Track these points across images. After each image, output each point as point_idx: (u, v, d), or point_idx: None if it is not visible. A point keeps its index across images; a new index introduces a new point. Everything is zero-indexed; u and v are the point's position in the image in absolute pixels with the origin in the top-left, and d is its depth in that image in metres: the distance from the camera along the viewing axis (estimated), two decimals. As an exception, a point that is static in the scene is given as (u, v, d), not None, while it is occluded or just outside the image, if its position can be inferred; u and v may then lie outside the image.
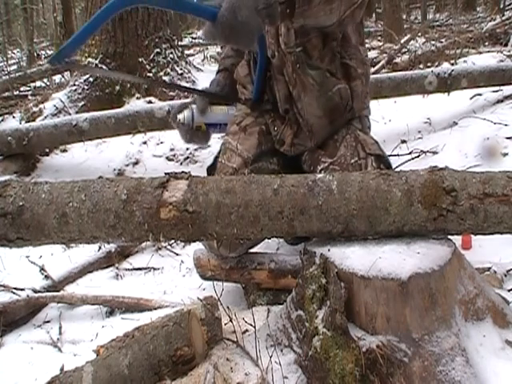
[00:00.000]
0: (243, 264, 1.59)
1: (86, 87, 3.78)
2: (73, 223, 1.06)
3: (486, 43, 4.86)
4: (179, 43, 5.11)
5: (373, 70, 3.90)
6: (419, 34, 5.17)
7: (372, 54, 4.96)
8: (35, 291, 1.83)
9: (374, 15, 10.55)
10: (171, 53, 4.11)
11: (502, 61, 3.63)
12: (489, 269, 1.45)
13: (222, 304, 1.25)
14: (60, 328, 1.64)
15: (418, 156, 2.44)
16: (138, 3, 1.19)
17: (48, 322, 1.73)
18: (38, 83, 5.61)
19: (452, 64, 3.90)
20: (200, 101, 1.61)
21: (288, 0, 1.16)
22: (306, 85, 1.44)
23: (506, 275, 1.44)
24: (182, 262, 2.05)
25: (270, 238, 1.18)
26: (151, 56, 3.95)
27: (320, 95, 1.44)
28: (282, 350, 1.11)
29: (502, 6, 7.73)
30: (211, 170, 1.61)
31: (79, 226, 1.06)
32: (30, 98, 4.74)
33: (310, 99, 1.45)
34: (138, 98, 3.82)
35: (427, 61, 4.21)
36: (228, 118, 1.63)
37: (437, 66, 3.86)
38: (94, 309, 1.75)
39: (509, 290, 1.35)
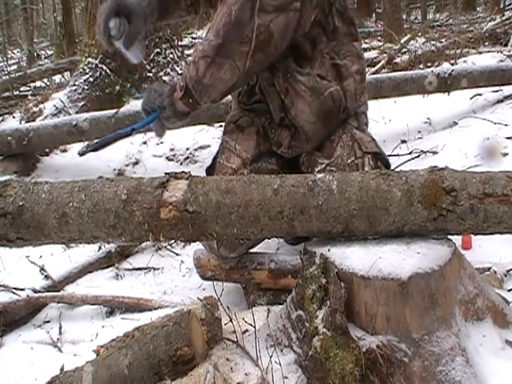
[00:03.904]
0: (243, 264, 1.59)
1: (85, 87, 3.77)
2: (73, 223, 1.06)
3: (486, 43, 4.85)
4: (179, 43, 5.10)
5: (373, 69, 3.90)
6: (419, 34, 5.17)
7: (372, 54, 4.96)
8: (35, 291, 1.83)
9: (374, 15, 10.55)
10: (171, 53, 4.09)
11: (502, 61, 3.63)
12: (489, 269, 1.45)
13: (222, 304, 1.25)
14: (60, 328, 1.64)
15: (418, 156, 2.44)
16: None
17: (48, 321, 1.73)
18: (38, 83, 5.62)
19: (452, 64, 3.89)
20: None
21: (185, 92, 1.32)
22: (298, 92, 1.43)
23: (506, 275, 1.44)
24: (182, 262, 2.05)
25: (269, 238, 1.18)
26: (151, 56, 3.94)
27: (312, 100, 1.43)
28: (282, 350, 1.11)
29: (502, 6, 7.74)
30: (210, 170, 1.61)
31: (79, 226, 1.07)
32: (30, 98, 4.74)
33: (302, 106, 1.44)
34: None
35: (427, 61, 4.21)
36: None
37: (437, 66, 3.85)
38: (93, 309, 1.75)
39: (509, 290, 1.35)
